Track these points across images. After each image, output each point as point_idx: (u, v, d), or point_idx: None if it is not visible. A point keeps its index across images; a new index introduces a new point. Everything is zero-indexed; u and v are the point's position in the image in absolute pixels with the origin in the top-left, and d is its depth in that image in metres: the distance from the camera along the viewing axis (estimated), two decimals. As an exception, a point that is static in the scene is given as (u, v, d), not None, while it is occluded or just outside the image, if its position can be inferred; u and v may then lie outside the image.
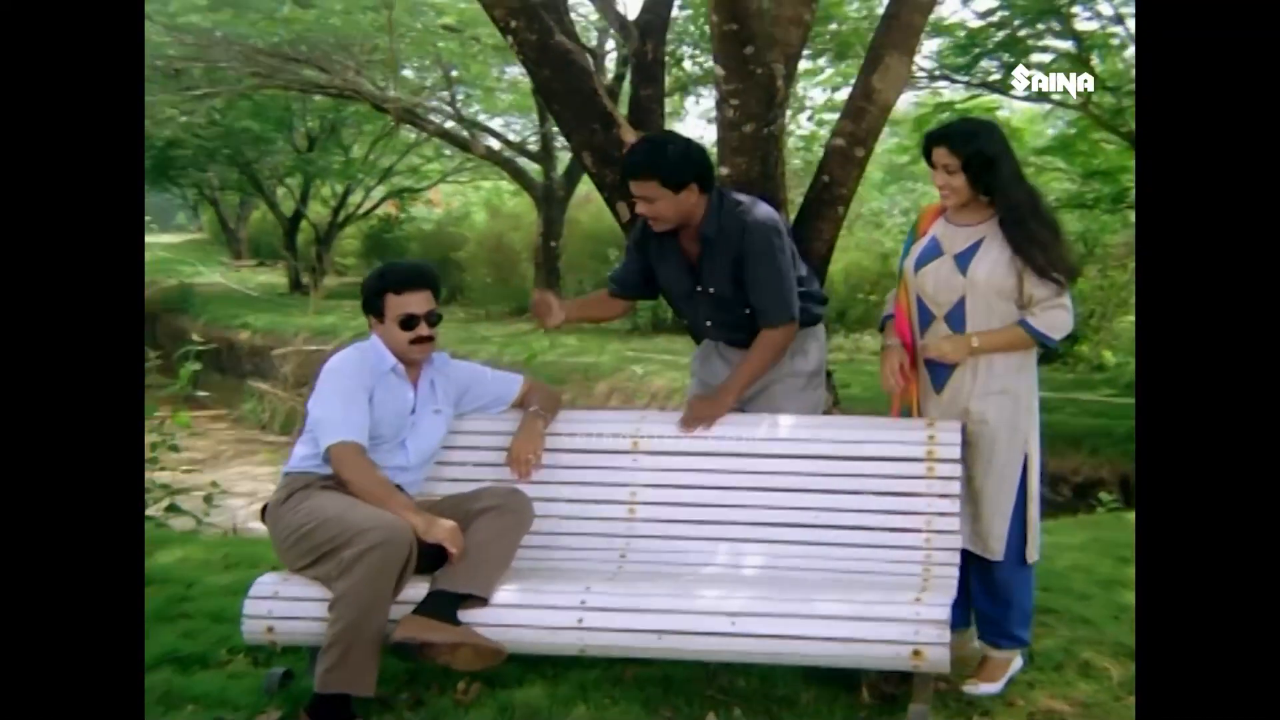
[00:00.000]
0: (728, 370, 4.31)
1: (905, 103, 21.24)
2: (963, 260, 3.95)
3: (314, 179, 25.74)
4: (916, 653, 3.41)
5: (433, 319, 4.03)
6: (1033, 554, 4.05)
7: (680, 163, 4.08)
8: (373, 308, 4.04)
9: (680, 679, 3.93)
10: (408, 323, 3.99)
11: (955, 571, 3.84)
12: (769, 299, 4.16)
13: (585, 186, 20.44)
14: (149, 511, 6.38)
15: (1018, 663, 4.12)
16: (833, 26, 14.05)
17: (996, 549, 3.99)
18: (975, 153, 3.90)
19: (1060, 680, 4.12)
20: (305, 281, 24.77)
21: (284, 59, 16.09)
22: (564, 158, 19.93)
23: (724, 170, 4.76)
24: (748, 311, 4.20)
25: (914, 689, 3.61)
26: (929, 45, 14.42)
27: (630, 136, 4.95)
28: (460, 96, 20.31)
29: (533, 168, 20.31)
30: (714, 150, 4.85)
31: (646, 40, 5.38)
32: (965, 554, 4.04)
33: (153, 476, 6.58)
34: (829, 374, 4.95)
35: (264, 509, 3.93)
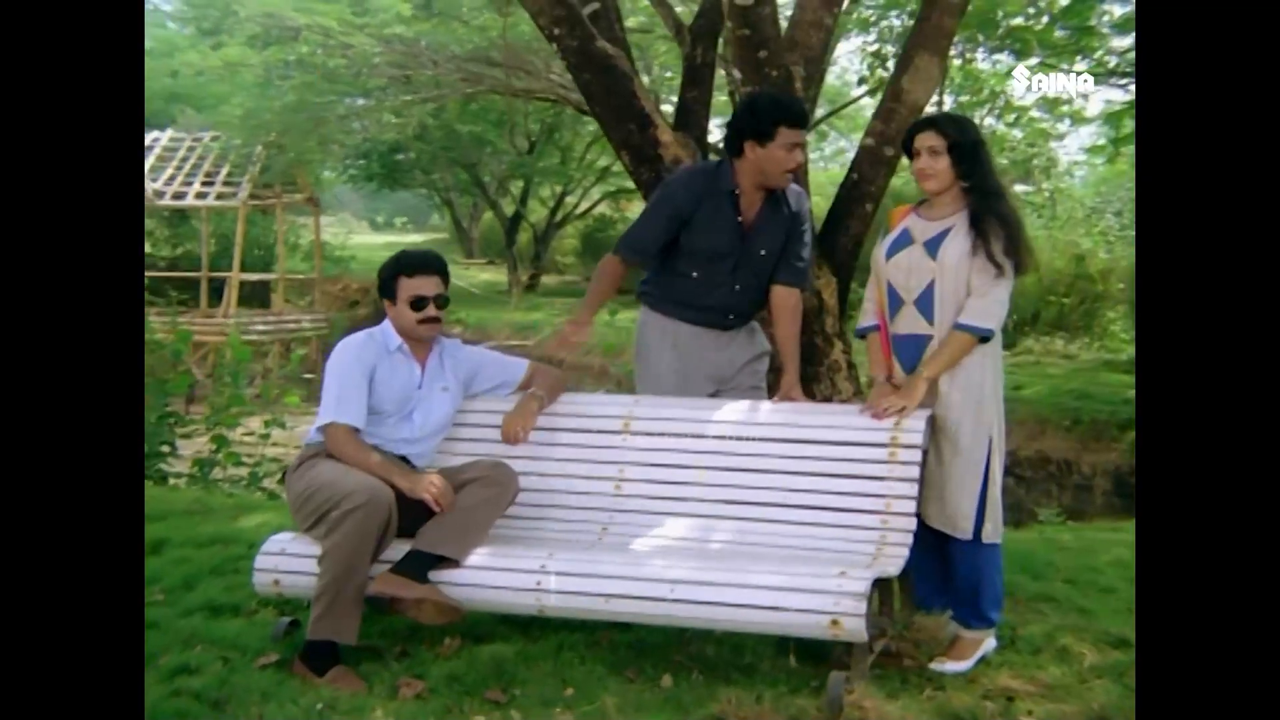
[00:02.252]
0: (718, 353, 4.62)
1: (1100, 100, 20.69)
2: (932, 246, 4.13)
3: (533, 180, 26.60)
4: (835, 622, 3.61)
5: (441, 302, 4.41)
6: (990, 535, 4.18)
7: None
8: (387, 290, 4.43)
9: (652, 644, 4.20)
10: (417, 304, 4.38)
11: (905, 551, 4.02)
12: (806, 261, 4.59)
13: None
14: (264, 484, 6.99)
15: (990, 644, 4.25)
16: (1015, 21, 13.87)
17: (965, 527, 4.14)
18: (963, 139, 4.13)
19: (1031, 663, 4.22)
20: (514, 279, 25.64)
21: (488, 64, 16.78)
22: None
23: (746, 168, 5.00)
24: (784, 277, 4.59)
25: (853, 659, 3.80)
26: (1119, 42, 14.12)
27: (666, 136, 5.25)
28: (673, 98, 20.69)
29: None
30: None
31: (698, 45, 5.67)
32: (942, 537, 4.22)
33: (264, 451, 7.21)
34: (851, 365, 5.16)
35: (283, 475, 4.38)
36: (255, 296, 23.29)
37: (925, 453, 4.15)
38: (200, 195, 20.21)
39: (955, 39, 14.66)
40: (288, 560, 4.14)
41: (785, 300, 4.56)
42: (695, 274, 4.57)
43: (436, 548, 3.99)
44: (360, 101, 19.94)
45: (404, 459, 4.36)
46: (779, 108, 4.41)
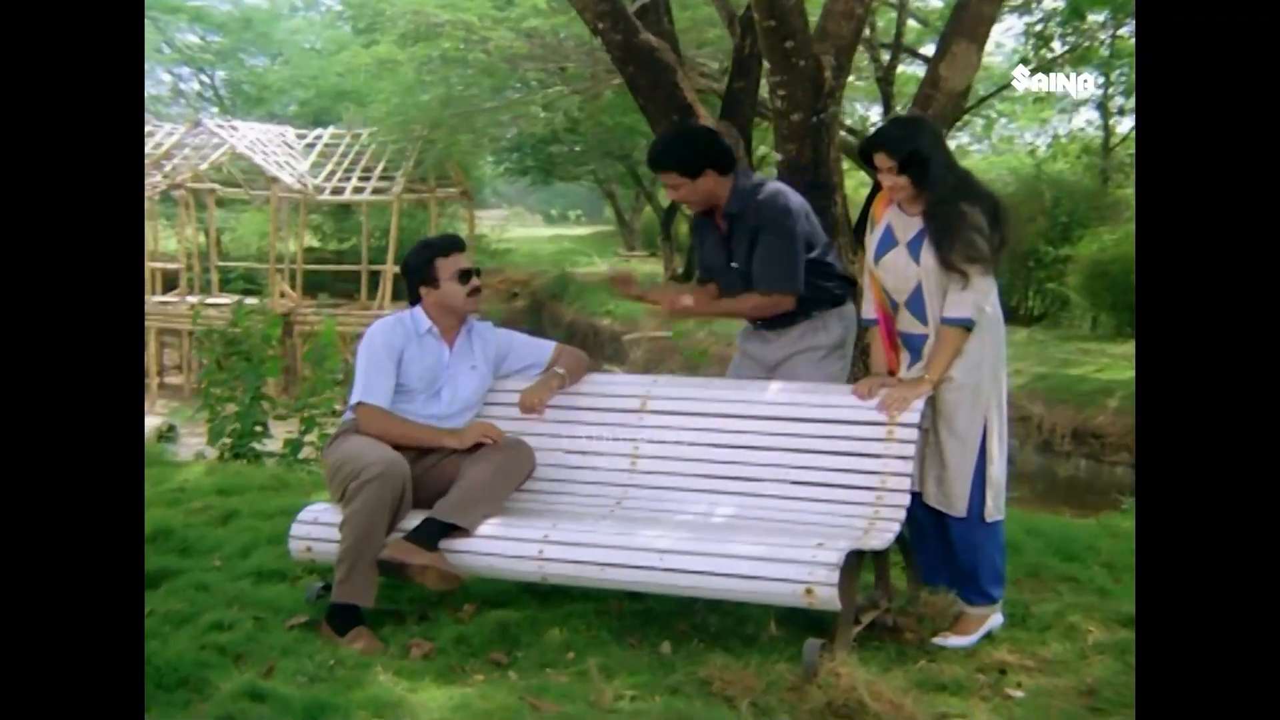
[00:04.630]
0: (765, 347, 4.78)
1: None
2: (914, 248, 4.24)
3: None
4: (809, 591, 3.75)
5: (475, 273, 4.69)
6: (992, 513, 4.26)
7: (693, 152, 4.57)
8: (424, 276, 4.69)
9: (660, 613, 4.39)
10: (464, 277, 4.66)
11: (897, 526, 4.13)
12: (764, 267, 4.57)
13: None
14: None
15: (996, 619, 4.33)
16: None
17: (960, 506, 4.24)
18: (910, 153, 4.21)
19: (1035, 639, 4.30)
20: (669, 270, 25.84)
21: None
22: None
23: (778, 156, 5.16)
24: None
25: (838, 628, 3.93)
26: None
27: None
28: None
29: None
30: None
31: (746, 36, 5.80)
32: (943, 515, 4.31)
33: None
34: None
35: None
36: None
37: (926, 432, 4.25)
38: (357, 190, 20.85)
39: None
40: (319, 529, 4.42)
41: (748, 294, 4.65)
42: (721, 283, 4.85)
43: (448, 517, 4.23)
44: (518, 94, 20.32)
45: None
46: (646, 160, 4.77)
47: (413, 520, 4.29)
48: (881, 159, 4.24)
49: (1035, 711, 3.72)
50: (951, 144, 22.77)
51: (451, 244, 4.73)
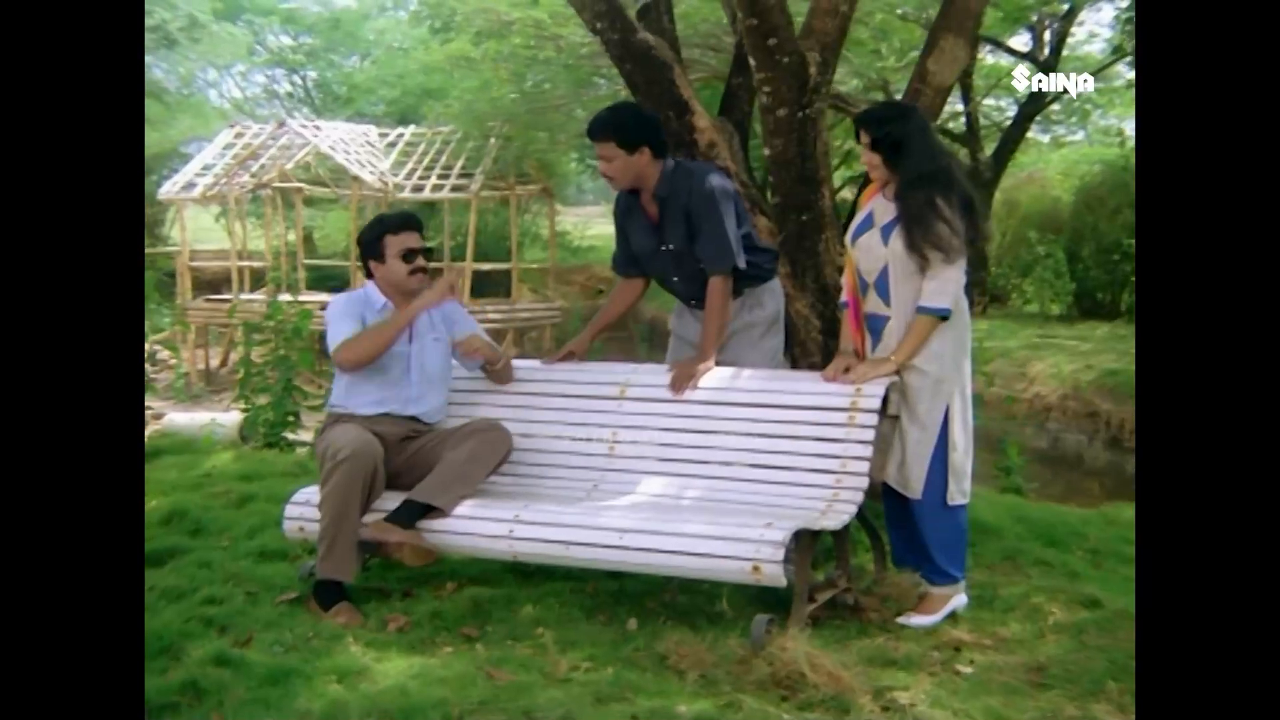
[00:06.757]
0: (697, 325, 4.88)
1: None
2: (886, 232, 4.37)
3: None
4: (756, 568, 3.90)
5: (426, 254, 4.87)
6: (954, 497, 4.37)
7: (635, 127, 4.70)
8: (373, 251, 4.85)
9: (633, 592, 4.56)
10: (408, 256, 4.81)
11: (853, 508, 4.25)
12: (710, 247, 4.70)
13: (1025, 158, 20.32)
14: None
15: (959, 600, 4.44)
16: None
17: (915, 488, 4.37)
18: (883, 135, 4.37)
19: (997, 620, 4.39)
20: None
21: (712, 49, 16.92)
22: (991, 139, 19.91)
23: (766, 151, 5.30)
24: (700, 265, 4.74)
25: (793, 605, 4.07)
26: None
27: (703, 123, 5.56)
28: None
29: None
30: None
31: (747, 33, 5.91)
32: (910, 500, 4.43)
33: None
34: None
35: (319, 439, 4.91)
36: (501, 287, 24.10)
37: (895, 417, 4.37)
38: (436, 188, 21.14)
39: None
40: (310, 510, 4.64)
41: (710, 287, 4.74)
42: (648, 270, 5.01)
43: (425, 498, 4.43)
44: (602, 90, 20.40)
45: (414, 419, 4.81)
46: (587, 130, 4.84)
47: (396, 504, 4.49)
48: (862, 134, 4.42)
49: (978, 685, 3.81)
50: (1045, 136, 22.42)
51: (403, 222, 4.87)
